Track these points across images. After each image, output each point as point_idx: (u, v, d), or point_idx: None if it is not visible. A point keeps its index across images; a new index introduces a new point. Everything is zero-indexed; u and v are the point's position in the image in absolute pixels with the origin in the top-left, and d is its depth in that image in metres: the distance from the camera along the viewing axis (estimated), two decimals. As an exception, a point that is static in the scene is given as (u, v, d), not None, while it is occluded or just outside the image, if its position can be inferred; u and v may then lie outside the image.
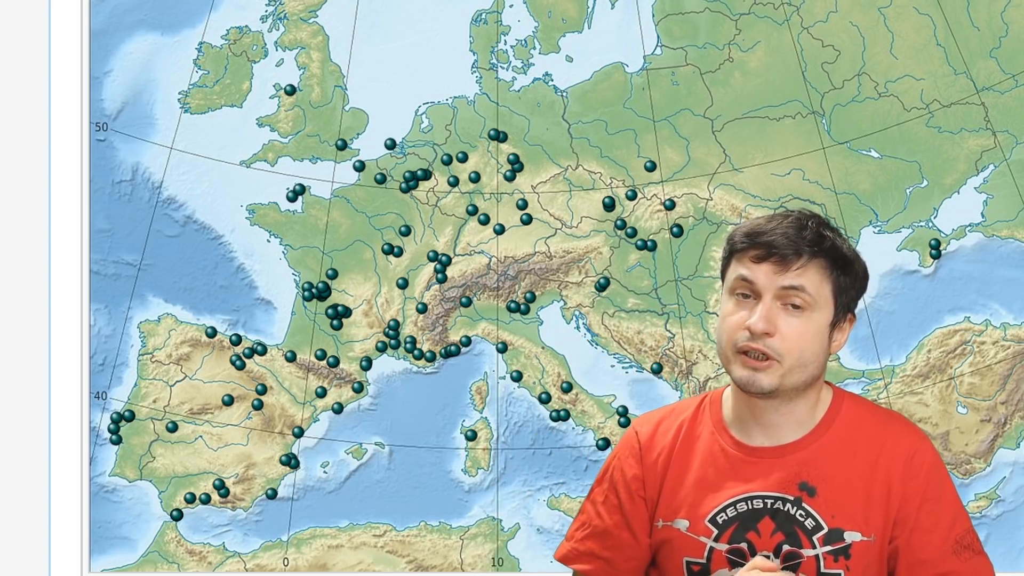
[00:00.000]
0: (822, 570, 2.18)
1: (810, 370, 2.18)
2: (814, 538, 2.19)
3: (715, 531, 2.22)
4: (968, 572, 2.21)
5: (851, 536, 2.19)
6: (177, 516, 3.29)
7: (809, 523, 2.19)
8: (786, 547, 2.19)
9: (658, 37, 3.23)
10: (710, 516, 2.22)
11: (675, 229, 3.24)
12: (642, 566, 2.31)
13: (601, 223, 3.25)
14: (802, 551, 2.19)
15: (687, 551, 2.24)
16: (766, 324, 2.15)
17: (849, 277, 2.21)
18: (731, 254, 2.21)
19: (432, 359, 3.27)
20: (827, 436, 2.22)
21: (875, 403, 2.32)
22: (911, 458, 2.21)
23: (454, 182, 3.26)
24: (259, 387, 3.28)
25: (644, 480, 2.29)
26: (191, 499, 3.28)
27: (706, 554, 2.22)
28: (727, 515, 2.21)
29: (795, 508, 2.20)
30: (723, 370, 3.19)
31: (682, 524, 2.25)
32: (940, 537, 2.20)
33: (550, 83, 3.25)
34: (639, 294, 3.25)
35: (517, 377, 3.26)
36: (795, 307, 2.16)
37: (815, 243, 2.17)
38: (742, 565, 2.20)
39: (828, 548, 2.19)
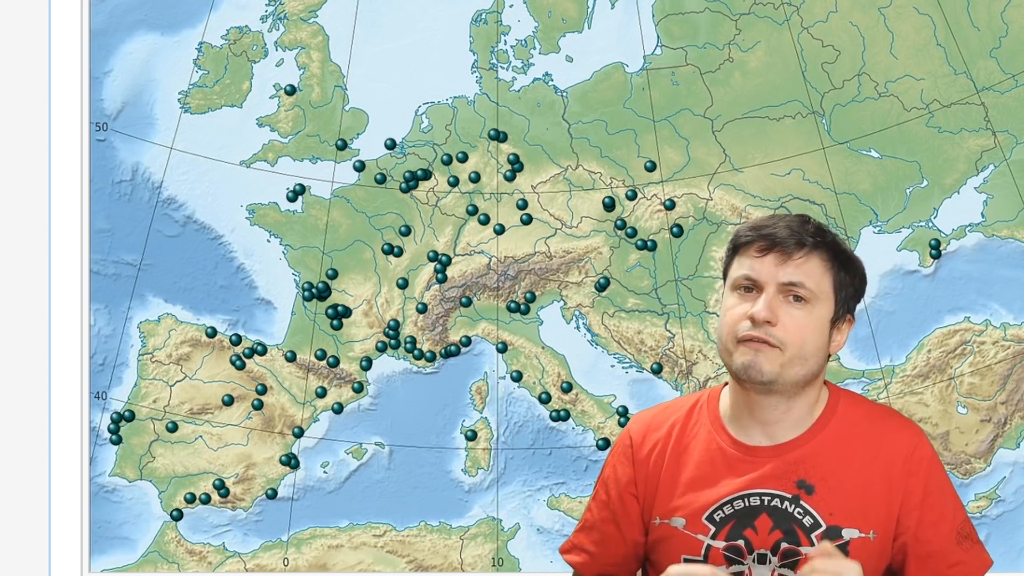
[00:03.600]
0: (820, 567, 2.18)
1: (810, 364, 2.19)
2: (812, 536, 2.19)
3: (712, 528, 2.22)
4: (971, 562, 2.23)
5: (849, 533, 2.19)
6: (177, 516, 3.29)
7: (807, 521, 2.19)
8: (784, 544, 2.19)
9: (658, 37, 3.23)
10: (707, 514, 2.22)
11: (675, 229, 3.24)
12: (627, 561, 2.33)
13: (601, 223, 3.25)
14: (800, 548, 2.19)
15: (684, 549, 2.24)
16: (768, 312, 2.16)
17: (849, 274, 2.24)
18: (735, 251, 2.24)
19: (432, 359, 3.27)
20: (824, 434, 2.23)
21: (871, 400, 2.32)
22: (911, 454, 2.22)
23: (454, 182, 3.26)
24: (259, 387, 3.28)
25: (636, 479, 2.30)
26: (191, 499, 3.28)
27: (703, 551, 2.23)
28: (724, 512, 2.22)
29: (793, 506, 2.20)
30: (723, 370, 3.20)
31: (679, 522, 2.25)
32: (946, 528, 2.22)
33: (550, 83, 3.25)
34: (639, 294, 3.25)
35: (517, 377, 3.26)
36: (797, 299, 2.18)
37: (816, 235, 2.20)
38: (740, 563, 2.20)
39: (826, 545, 2.19)
